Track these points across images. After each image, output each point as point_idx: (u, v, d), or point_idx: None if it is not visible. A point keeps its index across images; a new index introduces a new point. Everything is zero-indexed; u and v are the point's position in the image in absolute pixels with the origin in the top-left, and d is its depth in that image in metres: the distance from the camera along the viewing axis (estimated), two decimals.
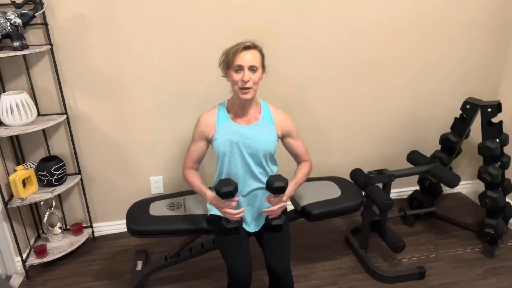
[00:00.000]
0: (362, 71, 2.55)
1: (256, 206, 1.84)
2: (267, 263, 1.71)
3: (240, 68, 1.63)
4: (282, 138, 1.83)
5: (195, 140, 1.81)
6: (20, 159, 2.29)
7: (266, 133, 1.76)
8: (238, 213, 1.68)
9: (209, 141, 1.78)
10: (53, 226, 2.37)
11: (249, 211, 1.84)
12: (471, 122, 2.39)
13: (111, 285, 2.17)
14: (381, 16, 2.43)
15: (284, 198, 1.71)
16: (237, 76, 1.64)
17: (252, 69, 1.63)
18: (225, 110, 1.78)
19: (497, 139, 2.27)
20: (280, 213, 1.74)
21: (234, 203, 1.67)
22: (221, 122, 1.76)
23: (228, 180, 1.65)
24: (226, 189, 1.60)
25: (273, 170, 1.84)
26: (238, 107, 1.75)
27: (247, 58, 1.62)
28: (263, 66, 1.70)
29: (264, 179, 1.79)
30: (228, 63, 1.65)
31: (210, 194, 1.77)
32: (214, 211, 1.86)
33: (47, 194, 2.18)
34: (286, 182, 1.64)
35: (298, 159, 1.92)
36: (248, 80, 1.62)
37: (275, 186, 1.63)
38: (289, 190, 1.74)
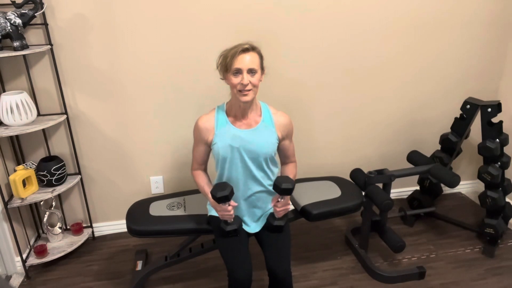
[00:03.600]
0: (362, 70, 2.55)
1: (257, 209, 1.83)
2: (267, 264, 1.71)
3: (238, 72, 1.60)
4: (281, 140, 1.80)
5: (196, 143, 1.80)
6: (20, 159, 2.29)
7: (267, 137, 1.74)
8: (231, 211, 1.68)
9: (209, 145, 1.77)
10: (53, 226, 2.37)
11: (250, 213, 1.83)
12: (471, 122, 2.39)
13: (111, 285, 2.17)
14: (382, 16, 2.43)
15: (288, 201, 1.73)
16: (236, 80, 1.61)
17: (251, 71, 1.61)
18: (224, 113, 1.75)
19: (497, 139, 2.27)
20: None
21: (230, 207, 1.67)
22: (220, 126, 1.73)
23: (224, 184, 1.65)
24: (222, 194, 1.61)
25: (274, 171, 1.83)
26: (238, 110, 1.72)
27: (246, 61, 1.59)
28: (262, 68, 1.68)
29: (265, 182, 1.79)
30: (226, 66, 1.63)
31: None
32: (214, 212, 1.86)
33: (47, 194, 2.18)
34: (293, 184, 1.65)
35: (286, 160, 1.91)
36: (247, 84, 1.60)
37: (283, 188, 1.63)
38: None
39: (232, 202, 1.68)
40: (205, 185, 1.81)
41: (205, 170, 1.88)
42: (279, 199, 1.69)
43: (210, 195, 1.73)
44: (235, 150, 1.70)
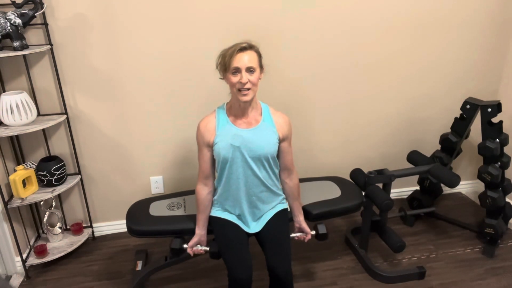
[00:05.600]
0: (362, 70, 2.55)
1: (258, 209, 1.83)
2: (268, 264, 1.71)
3: (237, 71, 1.60)
4: (281, 141, 1.79)
5: (199, 148, 1.78)
6: (20, 159, 2.29)
7: (268, 136, 1.73)
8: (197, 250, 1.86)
9: (211, 147, 1.75)
10: (53, 226, 2.37)
11: (251, 213, 1.83)
12: (471, 122, 2.39)
13: (111, 285, 2.17)
14: (382, 16, 2.43)
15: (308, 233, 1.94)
16: (234, 79, 1.61)
17: (250, 70, 1.61)
18: (224, 113, 1.75)
19: (497, 139, 2.27)
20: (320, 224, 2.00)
21: (196, 250, 1.85)
22: (221, 126, 1.72)
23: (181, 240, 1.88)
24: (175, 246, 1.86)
25: (276, 172, 1.83)
26: (238, 110, 1.72)
27: (244, 59, 1.60)
28: (261, 66, 1.68)
29: (268, 182, 1.79)
30: (225, 66, 1.63)
31: (197, 229, 1.85)
32: (214, 212, 1.86)
33: (47, 194, 2.18)
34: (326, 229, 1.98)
35: (285, 171, 1.86)
36: (246, 82, 1.60)
37: (321, 233, 1.96)
38: (303, 221, 1.95)
39: (200, 250, 1.86)
40: (201, 210, 1.83)
41: (212, 186, 1.83)
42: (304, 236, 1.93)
43: (197, 227, 1.85)
44: (236, 150, 1.70)
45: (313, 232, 1.96)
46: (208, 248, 1.86)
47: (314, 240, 2.49)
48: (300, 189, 1.93)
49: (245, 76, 1.60)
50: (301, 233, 1.94)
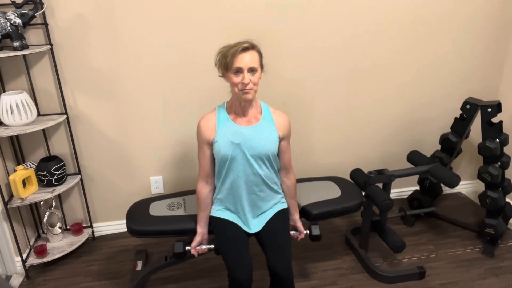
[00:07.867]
0: (362, 70, 2.55)
1: (258, 208, 1.83)
2: (269, 264, 1.71)
3: (239, 71, 1.61)
4: (280, 139, 1.79)
5: (199, 146, 1.78)
6: (20, 159, 2.29)
7: (268, 134, 1.74)
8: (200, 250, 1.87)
9: (211, 145, 1.75)
10: (53, 226, 2.37)
11: (251, 211, 1.83)
12: (471, 122, 2.39)
13: (111, 285, 2.17)
14: (382, 16, 2.43)
15: (302, 231, 1.95)
16: (236, 79, 1.62)
17: (252, 70, 1.62)
18: (225, 111, 1.76)
19: (497, 139, 2.27)
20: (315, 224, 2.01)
21: (199, 250, 1.86)
22: (221, 124, 1.73)
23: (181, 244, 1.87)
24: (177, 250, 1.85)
25: (276, 170, 1.83)
26: (238, 108, 1.73)
27: (246, 60, 1.60)
28: (261, 66, 1.68)
29: (268, 180, 1.79)
30: (226, 65, 1.63)
31: (199, 228, 1.86)
32: (214, 212, 1.86)
33: (47, 194, 2.18)
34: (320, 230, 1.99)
35: (283, 170, 1.87)
36: (248, 83, 1.61)
37: (314, 235, 1.97)
38: (298, 220, 1.96)
39: (204, 249, 1.87)
40: (202, 209, 1.84)
41: (213, 184, 1.84)
42: (298, 235, 1.94)
43: (198, 226, 1.85)
44: (236, 147, 1.70)
45: (307, 232, 1.96)
46: (212, 246, 1.86)
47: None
48: (296, 188, 1.93)
49: (247, 77, 1.60)
50: (294, 232, 1.95)
